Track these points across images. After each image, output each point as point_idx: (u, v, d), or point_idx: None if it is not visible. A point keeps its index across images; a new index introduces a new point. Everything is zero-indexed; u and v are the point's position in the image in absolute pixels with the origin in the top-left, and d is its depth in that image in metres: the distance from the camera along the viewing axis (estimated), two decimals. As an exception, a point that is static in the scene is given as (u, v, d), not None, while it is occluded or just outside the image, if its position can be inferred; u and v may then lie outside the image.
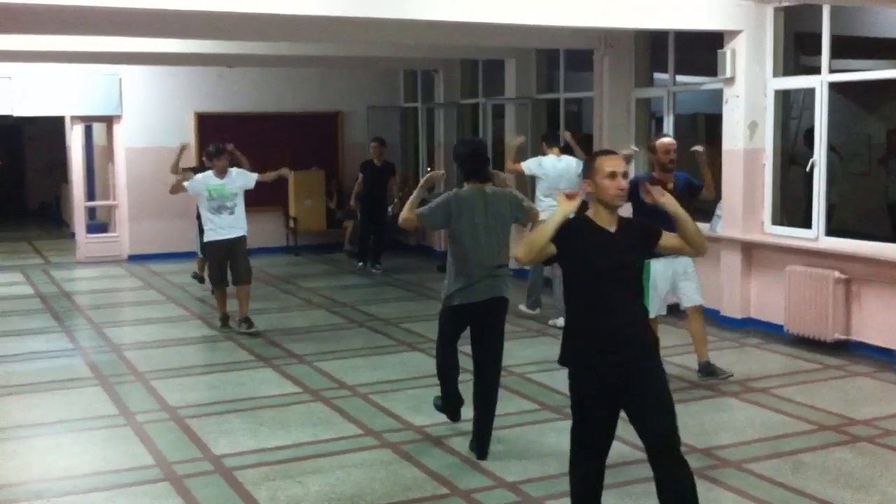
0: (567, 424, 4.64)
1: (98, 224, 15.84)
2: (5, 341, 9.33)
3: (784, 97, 9.43)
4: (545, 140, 10.27)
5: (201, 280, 11.89)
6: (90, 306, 11.29)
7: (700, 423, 6.58)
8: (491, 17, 8.49)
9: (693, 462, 5.67)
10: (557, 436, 5.89)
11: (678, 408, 6.86)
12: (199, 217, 10.33)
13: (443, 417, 6.40)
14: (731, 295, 9.48)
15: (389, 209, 13.31)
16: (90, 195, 15.89)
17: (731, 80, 9.39)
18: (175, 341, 9.35)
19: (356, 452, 6.01)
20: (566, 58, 12.36)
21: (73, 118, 14.72)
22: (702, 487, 5.34)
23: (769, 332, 8.99)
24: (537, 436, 6.25)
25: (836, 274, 8.31)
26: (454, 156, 6.12)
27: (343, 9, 7.86)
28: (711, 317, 9.58)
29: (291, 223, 15.34)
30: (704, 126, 11.56)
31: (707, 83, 10.18)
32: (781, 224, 9.32)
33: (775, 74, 9.32)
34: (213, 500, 5.30)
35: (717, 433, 6.38)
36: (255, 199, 14.50)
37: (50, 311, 10.75)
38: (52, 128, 17.83)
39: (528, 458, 5.81)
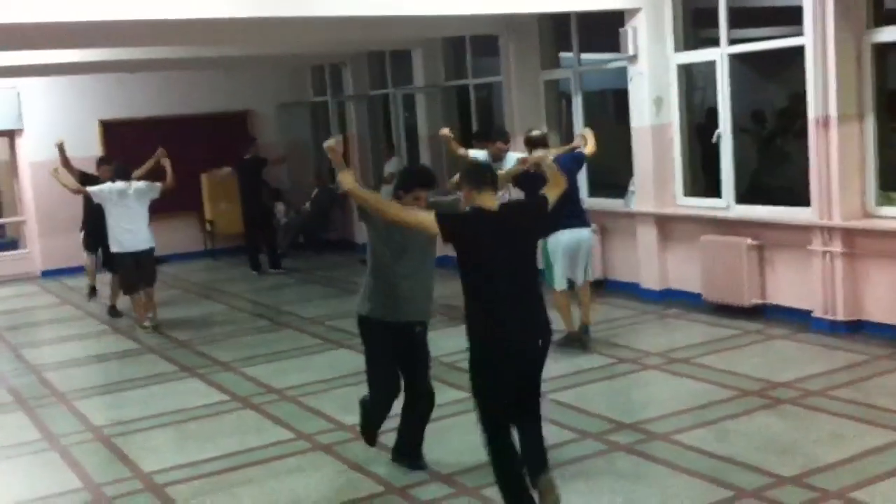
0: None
1: (9, 241, 15.38)
2: (-83, 372, 9.02)
3: (687, 71, 9.59)
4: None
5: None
6: (5, 327, 10.98)
7: (626, 398, 6.73)
8: (393, 10, 8.47)
9: (622, 437, 5.85)
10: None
11: (604, 385, 7.06)
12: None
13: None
14: (648, 268, 9.65)
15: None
16: (-2, 212, 15.49)
17: (634, 58, 9.53)
18: (96, 357, 9.17)
19: (288, 458, 5.97)
20: (473, 44, 12.39)
21: (-29, 134, 14.27)
22: (632, 462, 5.50)
23: (688, 301, 9.18)
24: (468, 425, 6.26)
25: (749, 241, 8.51)
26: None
27: (245, 10, 7.75)
28: (631, 290, 9.81)
29: (208, 227, 15.11)
30: (613, 103, 11.68)
31: (612, 61, 10.30)
32: (693, 195, 9.50)
33: (677, 49, 9.48)
34: (146, 521, 5.22)
35: (644, 407, 6.51)
36: (169, 205, 14.43)
37: (-39, 337, 10.43)
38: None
39: (460, 450, 5.82)
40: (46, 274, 14.14)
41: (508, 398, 4.70)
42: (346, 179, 4.94)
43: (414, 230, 4.84)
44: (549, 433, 5.90)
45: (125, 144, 14.25)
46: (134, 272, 9.89)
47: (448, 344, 7.09)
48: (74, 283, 13.26)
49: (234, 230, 15.09)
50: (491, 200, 4.71)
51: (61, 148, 10.37)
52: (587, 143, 8.15)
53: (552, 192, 4.97)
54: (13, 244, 15.27)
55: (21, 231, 15.00)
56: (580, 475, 5.36)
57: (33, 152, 14.14)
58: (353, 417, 6.51)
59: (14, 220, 15.21)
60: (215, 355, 8.72)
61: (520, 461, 4.73)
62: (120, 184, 9.77)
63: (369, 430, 5.80)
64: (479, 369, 4.66)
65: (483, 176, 4.81)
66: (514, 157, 8.89)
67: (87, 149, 13.91)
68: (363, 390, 6.51)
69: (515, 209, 5.02)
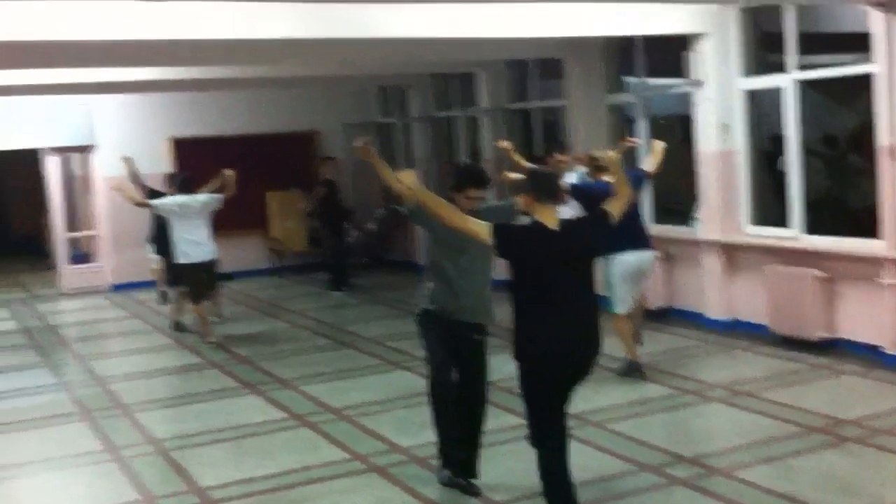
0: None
1: (81, 255, 15.75)
2: (-11, 379, 9.27)
3: (754, 97, 9.45)
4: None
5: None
6: (75, 339, 11.24)
7: (687, 431, 6.60)
8: (457, 32, 8.50)
9: (681, 471, 5.74)
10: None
11: (664, 416, 6.93)
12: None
13: (429, 437, 6.36)
14: (714, 297, 9.50)
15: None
16: (72, 226, 15.86)
17: (699, 83, 9.43)
18: (161, 371, 9.31)
19: (342, 478, 5.97)
20: (538, 67, 12.38)
21: (48, 150, 14.63)
22: (690, 497, 5.39)
23: (754, 333, 8.99)
24: (523, 451, 6.21)
25: (817, 272, 8.32)
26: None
27: (310, 31, 7.83)
28: (696, 320, 9.65)
29: (274, 245, 15.29)
30: (678, 128, 11.56)
31: (678, 86, 10.19)
32: (761, 224, 9.33)
33: (744, 74, 9.35)
34: (201, 536, 5.26)
35: (705, 440, 6.38)
36: (236, 222, 14.69)
37: (34, 346, 10.68)
38: (33, 160, 17.72)
39: (515, 476, 5.74)
40: (117, 287, 14.42)
41: (559, 406, 4.69)
42: (409, 177, 4.91)
43: (467, 236, 4.73)
44: (605, 463, 5.89)
45: (195, 162, 14.53)
46: (201, 281, 10.11)
47: (507, 368, 7.01)
48: (143, 296, 13.52)
49: (298, 247, 15.32)
50: (552, 216, 4.64)
51: (129, 162, 10.58)
52: (651, 152, 7.99)
53: (616, 205, 4.83)
54: (86, 258, 15.61)
55: (93, 245, 15.34)
56: (636, 508, 5.28)
57: (106, 168, 14.42)
58: (408, 439, 6.58)
59: (87, 235, 15.57)
60: (276, 372, 8.79)
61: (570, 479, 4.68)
62: (183, 196, 9.96)
63: (450, 449, 5.60)
64: (530, 381, 4.63)
65: (550, 186, 4.73)
66: (574, 174, 8.86)
67: (158, 165, 14.19)
68: (420, 413, 6.54)
69: (576, 227, 4.85)
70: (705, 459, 5.92)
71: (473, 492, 5.54)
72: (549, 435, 4.67)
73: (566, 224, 4.74)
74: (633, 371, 7.82)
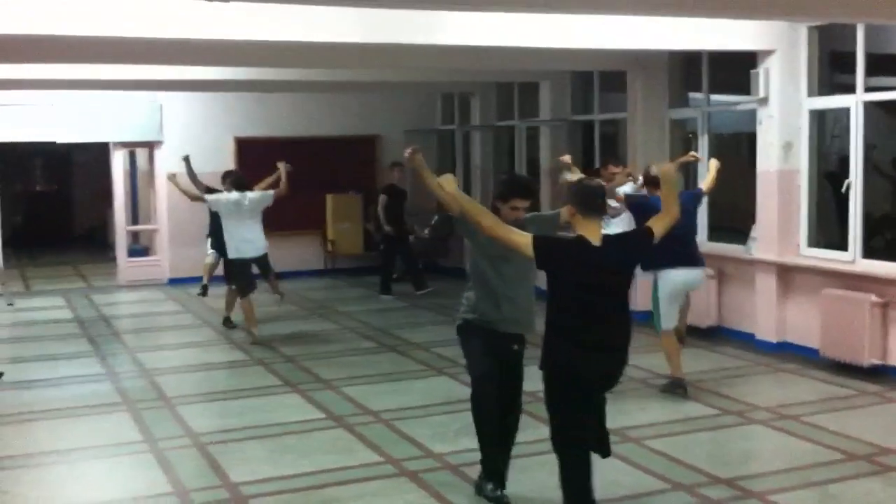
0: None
1: (140, 248, 16.03)
2: (39, 366, 9.45)
3: (819, 117, 9.25)
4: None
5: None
6: (126, 330, 11.44)
7: (726, 452, 6.45)
8: (522, 42, 8.49)
9: (715, 493, 5.62)
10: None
11: (705, 436, 6.79)
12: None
13: (464, 444, 6.33)
14: (766, 318, 9.30)
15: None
16: (134, 220, 16.16)
17: (764, 101, 9.26)
18: (206, 366, 9.41)
19: (373, 481, 5.96)
20: (600, 79, 12.28)
21: (115, 144, 14.94)
22: (720, 520, 5.26)
23: (805, 356, 8.79)
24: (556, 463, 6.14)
25: (873, 297, 8.10)
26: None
27: (378, 36, 7.91)
28: (746, 340, 9.46)
29: (329, 246, 15.40)
30: (741, 146, 11.38)
31: (741, 103, 10.01)
32: (818, 246, 9.12)
33: (810, 94, 9.16)
34: (226, 530, 5.29)
35: (744, 462, 6.23)
36: (294, 223, 14.84)
37: (86, 336, 10.88)
38: (100, 154, 18.11)
39: (546, 487, 5.67)
40: (173, 281, 14.64)
41: (586, 416, 4.60)
42: (449, 183, 4.87)
43: (509, 247, 4.70)
44: (638, 480, 5.79)
45: (257, 161, 14.69)
46: (251, 275, 10.31)
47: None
48: (197, 289, 13.64)
49: (354, 250, 15.41)
50: (595, 231, 4.59)
51: (187, 161, 10.75)
52: (708, 170, 7.91)
53: (661, 223, 4.78)
54: (145, 251, 15.89)
55: (153, 239, 15.62)
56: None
57: (170, 164, 14.65)
58: (444, 446, 6.55)
59: (148, 228, 15.85)
60: (318, 372, 8.82)
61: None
62: (236, 194, 10.10)
63: (492, 465, 5.50)
64: (558, 389, 4.58)
65: (594, 199, 4.67)
66: (627, 186, 8.74)
67: (221, 164, 14.37)
68: (458, 419, 6.51)
69: (618, 243, 4.83)
70: (742, 482, 5.78)
71: (500, 501, 5.48)
72: (570, 443, 4.61)
73: (608, 240, 4.70)
74: (676, 388, 7.69)
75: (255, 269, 10.49)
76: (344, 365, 9.21)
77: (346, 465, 6.26)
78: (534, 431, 6.20)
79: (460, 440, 6.52)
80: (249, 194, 10.22)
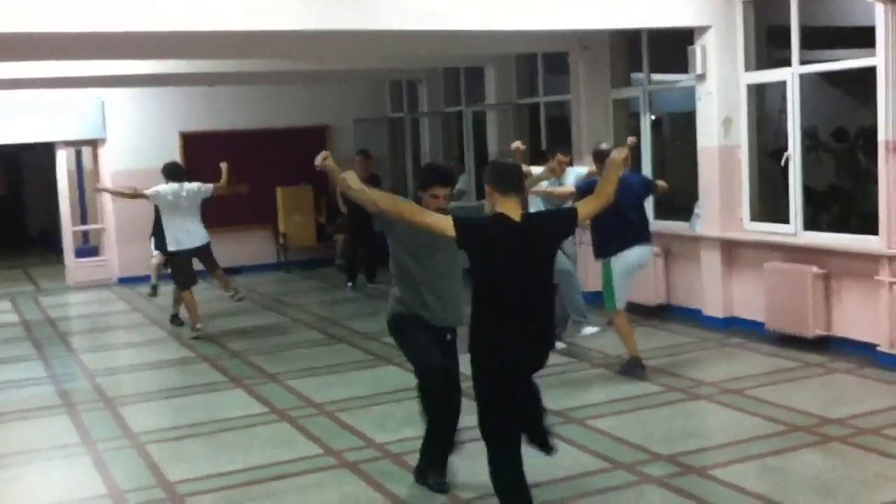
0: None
1: (89, 248, 15.77)
2: (-19, 371, 9.28)
3: (759, 92, 9.25)
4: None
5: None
6: (72, 332, 11.26)
7: (668, 429, 6.43)
8: (464, 25, 8.43)
9: (655, 469, 5.60)
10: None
11: (648, 414, 6.77)
12: None
13: (406, 433, 6.28)
14: (712, 294, 9.31)
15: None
16: (83, 219, 15.91)
17: (702, 77, 9.24)
18: (151, 365, 9.26)
19: (312, 474, 5.88)
20: (545, 61, 12.23)
21: (59, 143, 14.67)
22: (661, 496, 5.24)
23: (751, 330, 8.81)
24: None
25: (815, 269, 8.12)
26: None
27: (318, 23, 7.81)
28: (694, 317, 9.48)
29: (281, 240, 15.26)
30: (683, 125, 11.38)
31: (681, 81, 10.00)
32: (761, 220, 9.13)
33: (748, 69, 9.15)
34: (160, 530, 5.19)
35: (685, 438, 6.21)
36: (245, 217, 14.68)
37: (31, 339, 10.67)
38: (48, 155, 17.81)
39: (483, 475, 5.62)
40: (122, 281, 14.43)
41: (514, 405, 4.52)
42: (352, 178, 4.63)
43: (430, 232, 4.57)
44: (579, 461, 5.76)
45: (204, 156, 14.53)
46: (191, 268, 10.20)
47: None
48: (147, 290, 13.46)
49: (307, 243, 15.27)
50: (515, 208, 4.51)
51: (104, 190, 10.74)
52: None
53: (589, 206, 4.70)
54: (94, 251, 15.64)
55: (100, 239, 15.38)
56: (605, 505, 5.15)
57: (115, 161, 14.49)
58: (386, 435, 6.50)
59: (93, 228, 15.62)
60: (265, 367, 8.72)
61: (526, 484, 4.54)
62: (174, 185, 9.98)
63: (440, 454, 5.43)
64: (485, 379, 4.50)
65: (509, 177, 4.58)
66: (575, 171, 8.72)
67: (167, 159, 14.13)
68: (402, 408, 6.45)
69: (540, 221, 4.80)
70: (682, 458, 5.77)
71: (443, 489, 5.42)
72: (501, 432, 4.53)
73: (528, 217, 4.62)
74: (635, 368, 7.64)
75: (198, 264, 10.32)
76: (291, 358, 9.11)
77: (286, 458, 6.18)
78: (469, 419, 6.12)
79: (403, 429, 6.47)
80: (187, 185, 10.07)
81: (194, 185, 10.13)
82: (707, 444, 6.07)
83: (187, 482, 5.83)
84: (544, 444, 4.88)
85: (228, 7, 7.48)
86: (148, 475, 6.03)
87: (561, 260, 8.35)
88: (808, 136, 11.00)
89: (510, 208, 4.51)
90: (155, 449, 6.52)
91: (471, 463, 5.67)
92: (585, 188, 7.44)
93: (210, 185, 10.18)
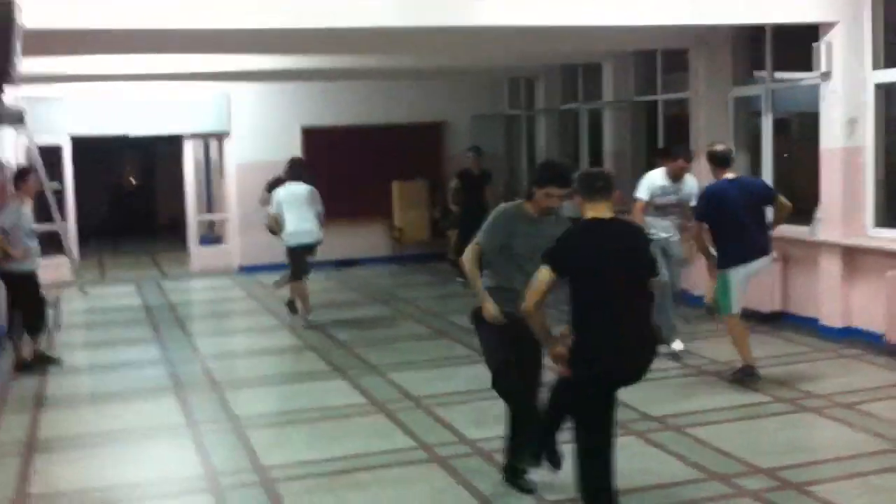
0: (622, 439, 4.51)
1: (213, 237, 16.28)
2: (102, 351, 9.70)
3: (887, 91, 8.81)
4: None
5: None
6: (189, 317, 11.63)
7: (772, 441, 6.19)
8: (582, 20, 8.38)
9: (752, 483, 5.42)
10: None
11: (751, 424, 6.53)
12: None
13: (499, 431, 6.22)
14: (829, 303, 8.93)
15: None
16: (209, 209, 16.45)
17: (827, 75, 8.87)
18: (260, 351, 9.49)
19: (403, 466, 5.92)
20: (664, 58, 11.97)
21: (186, 135, 15.18)
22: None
23: (869, 342, 8.41)
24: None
25: (941, 279, 7.71)
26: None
27: (436, 19, 7.89)
28: (810, 326, 9.11)
29: (396, 234, 15.41)
30: (807, 124, 10.94)
31: (805, 79, 9.62)
32: (885, 226, 8.71)
33: (875, 67, 8.74)
34: (246, 514, 5.31)
35: (788, 452, 5.95)
36: (360, 210, 14.90)
37: (151, 323, 11.08)
38: (178, 147, 18.45)
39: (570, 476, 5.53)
40: (243, 269, 14.83)
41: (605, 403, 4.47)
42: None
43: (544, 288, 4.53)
44: (671, 469, 5.60)
45: (324, 150, 14.84)
46: (304, 262, 10.40)
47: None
48: (267, 278, 13.77)
49: (420, 237, 15.37)
50: (603, 212, 4.47)
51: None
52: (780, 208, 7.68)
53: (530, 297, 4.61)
54: (218, 240, 16.14)
55: (223, 228, 15.87)
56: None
57: (239, 154, 14.92)
58: (479, 432, 6.46)
59: (217, 217, 16.11)
60: (368, 358, 8.81)
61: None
62: (290, 187, 10.28)
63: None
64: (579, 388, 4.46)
65: (595, 182, 4.56)
66: (693, 180, 8.46)
67: (289, 153, 14.48)
68: (499, 405, 6.39)
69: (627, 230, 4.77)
70: (782, 472, 5.54)
71: (529, 489, 5.37)
72: (594, 439, 4.45)
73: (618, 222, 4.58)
74: (748, 377, 7.35)
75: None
76: (395, 351, 9.18)
77: (378, 450, 6.23)
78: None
79: (498, 427, 6.40)
80: (303, 186, 10.30)
81: (309, 188, 10.34)
82: (810, 459, 5.82)
83: (280, 468, 5.94)
84: (552, 457, 5.03)
85: (351, 5, 7.63)
86: (244, 458, 6.17)
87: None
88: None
89: (599, 213, 4.47)
90: (254, 433, 6.66)
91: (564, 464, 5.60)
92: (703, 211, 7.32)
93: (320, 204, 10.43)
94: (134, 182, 23.31)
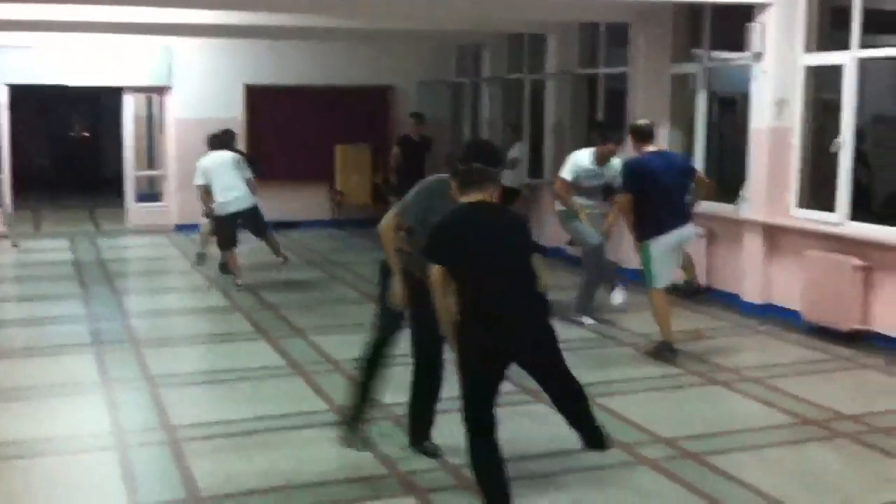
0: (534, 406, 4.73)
1: (150, 194, 16.07)
2: (27, 305, 9.62)
3: (815, 73, 8.92)
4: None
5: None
6: (120, 274, 11.50)
7: (678, 412, 6.32)
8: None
9: (652, 451, 5.52)
10: (515, 421, 5.67)
11: (659, 396, 6.65)
12: None
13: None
14: (751, 280, 9.08)
15: None
16: (150, 165, 16.25)
17: (759, 56, 8.96)
18: (186, 311, 9.45)
19: (311, 428, 5.93)
20: (607, 33, 11.99)
21: (127, 88, 14.93)
22: (653, 478, 5.16)
23: (787, 319, 8.58)
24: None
25: (856, 260, 7.85)
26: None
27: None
28: (732, 302, 9.26)
29: (337, 197, 15.35)
30: (739, 104, 11.06)
31: (738, 59, 9.70)
32: (808, 207, 8.85)
33: (807, 50, 8.84)
34: (150, 471, 5.30)
35: (692, 423, 6.07)
36: (301, 172, 14.81)
37: (79, 279, 10.95)
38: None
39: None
40: (180, 227, 14.66)
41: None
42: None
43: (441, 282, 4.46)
44: (574, 437, 5.67)
45: (267, 110, 14.72)
46: (233, 230, 10.36)
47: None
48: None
49: (362, 201, 15.32)
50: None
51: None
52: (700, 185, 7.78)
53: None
54: (155, 196, 15.93)
55: (160, 185, 15.67)
56: (595, 484, 5.10)
57: (180, 109, 14.72)
58: (393, 397, 6.43)
59: (155, 174, 15.92)
60: (294, 320, 8.80)
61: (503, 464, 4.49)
62: (216, 155, 10.31)
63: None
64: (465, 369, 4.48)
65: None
66: (618, 162, 8.50)
67: (230, 110, 14.45)
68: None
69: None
70: (683, 442, 5.66)
71: (434, 453, 5.43)
72: (481, 419, 4.48)
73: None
74: (664, 352, 7.42)
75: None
76: (322, 314, 9.19)
77: (291, 412, 6.24)
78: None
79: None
80: (229, 154, 10.28)
81: (236, 156, 10.32)
82: (712, 431, 5.92)
83: (189, 427, 5.93)
84: (599, 443, 4.86)
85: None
86: (154, 417, 6.15)
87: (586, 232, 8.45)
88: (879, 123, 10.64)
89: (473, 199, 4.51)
90: (167, 392, 6.64)
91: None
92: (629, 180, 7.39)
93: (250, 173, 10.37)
94: (86, 135, 22.88)
